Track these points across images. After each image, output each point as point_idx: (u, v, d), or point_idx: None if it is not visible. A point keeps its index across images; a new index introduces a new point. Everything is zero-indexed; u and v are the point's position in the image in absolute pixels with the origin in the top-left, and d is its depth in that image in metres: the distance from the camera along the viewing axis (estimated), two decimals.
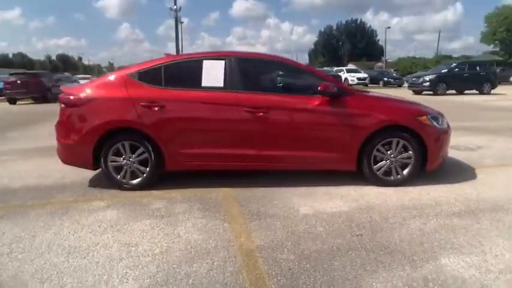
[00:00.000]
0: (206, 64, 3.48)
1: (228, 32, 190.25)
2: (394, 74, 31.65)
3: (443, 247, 2.28)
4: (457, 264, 2.07)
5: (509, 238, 2.39)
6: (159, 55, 4.04)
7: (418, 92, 18.14)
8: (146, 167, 3.47)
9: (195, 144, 3.43)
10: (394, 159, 3.44)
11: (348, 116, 3.37)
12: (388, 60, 57.59)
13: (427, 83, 17.32)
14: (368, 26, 63.50)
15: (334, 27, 67.25)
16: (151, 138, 3.39)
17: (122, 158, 3.45)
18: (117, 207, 3.07)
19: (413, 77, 19.09)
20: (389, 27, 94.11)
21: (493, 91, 17.44)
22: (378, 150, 3.42)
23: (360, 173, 3.52)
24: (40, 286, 1.93)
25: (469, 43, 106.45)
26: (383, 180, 3.47)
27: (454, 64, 18.68)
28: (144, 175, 3.49)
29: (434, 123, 3.47)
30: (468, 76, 17.44)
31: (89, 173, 3.90)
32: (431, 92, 17.17)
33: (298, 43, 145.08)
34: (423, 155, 3.43)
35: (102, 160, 3.44)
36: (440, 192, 3.29)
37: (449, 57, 53.29)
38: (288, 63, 3.83)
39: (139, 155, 3.44)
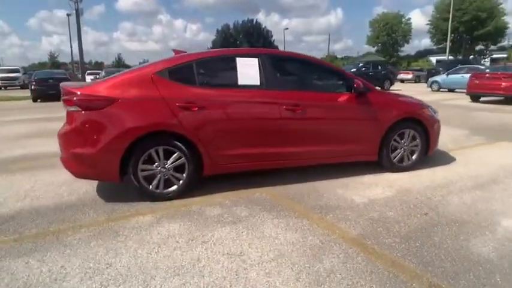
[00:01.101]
0: (240, 62, 3.43)
1: (115, 27, 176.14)
2: None
3: (494, 213, 2.85)
4: None
5: None
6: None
7: None
8: (182, 173, 3.24)
9: (236, 145, 3.36)
10: (406, 147, 4.01)
11: (373, 110, 3.77)
12: None
13: None
14: (263, 26, 67.12)
15: (231, 26, 69.09)
16: (190, 141, 3.19)
17: (154, 166, 3.15)
18: (172, 219, 2.82)
19: None
20: (287, 29, 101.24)
21: (391, 87, 20.74)
22: (394, 140, 3.93)
23: (378, 162, 3.97)
24: None
25: (349, 45, 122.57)
26: (398, 167, 4.01)
27: (360, 64, 21.50)
28: (181, 182, 3.25)
29: (433, 114, 4.15)
30: (373, 74, 20.29)
31: (87, 186, 3.44)
32: None
33: (193, 41, 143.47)
34: (426, 142, 4.08)
35: (131, 170, 3.08)
36: (444, 173, 3.98)
37: (335, 57, 60.70)
38: (316, 62, 4.05)
39: (175, 161, 3.19)
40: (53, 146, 3.85)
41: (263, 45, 70.21)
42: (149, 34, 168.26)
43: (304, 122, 3.53)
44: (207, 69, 3.44)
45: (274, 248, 2.35)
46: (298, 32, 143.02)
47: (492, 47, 43.95)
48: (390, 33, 51.66)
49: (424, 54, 60.07)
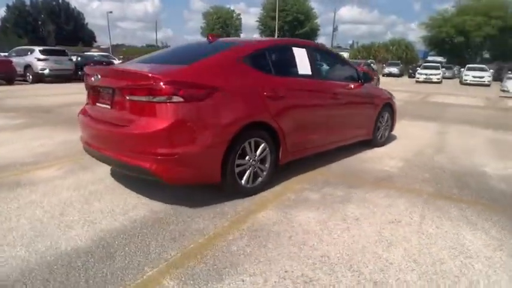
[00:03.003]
0: (296, 52, 3.65)
1: None
2: None
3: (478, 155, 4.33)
4: (491, 167, 4.14)
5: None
6: None
7: None
8: (265, 164, 3.26)
9: (302, 132, 3.59)
10: (383, 126, 5.18)
11: (371, 97, 4.72)
12: (101, 46, 57.30)
13: None
14: (73, 7, 60.01)
15: (28, 2, 58.22)
16: (275, 131, 3.24)
17: (246, 159, 3.06)
18: (298, 209, 2.91)
19: None
20: (111, 12, 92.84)
21: None
22: (379, 121, 5.03)
23: (371, 140, 4.98)
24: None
25: (169, 35, 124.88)
26: (380, 143, 5.14)
27: None
28: (264, 174, 3.26)
29: (394, 100, 5.50)
30: None
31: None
32: None
33: None
34: (392, 122, 5.40)
35: (229, 166, 2.90)
36: (408, 142, 5.41)
37: (156, 46, 60.78)
38: (336, 55, 4.66)
39: (262, 152, 3.18)
40: None
41: (74, 28, 62.03)
42: None
43: (341, 108, 4.11)
44: (275, 57, 3.48)
45: (388, 212, 2.94)
46: (112, 17, 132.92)
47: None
48: (224, 26, 55.80)
49: None
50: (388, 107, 5.16)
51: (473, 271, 2.09)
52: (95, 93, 3.12)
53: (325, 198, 3.16)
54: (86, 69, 3.24)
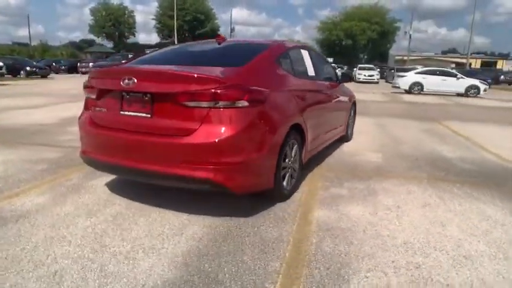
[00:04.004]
0: (304, 54, 3.80)
1: None
2: (39, 63, 28.73)
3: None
4: (447, 152, 4.99)
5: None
6: None
7: None
8: (296, 165, 3.33)
9: (315, 132, 3.75)
10: (351, 122, 5.72)
11: (346, 95, 5.17)
12: None
13: None
14: None
15: None
16: (303, 131, 3.34)
17: (287, 161, 3.09)
18: (351, 204, 3.07)
19: (97, 67, 19.54)
20: None
21: None
22: (350, 118, 5.54)
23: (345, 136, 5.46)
24: None
25: (40, 31, 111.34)
26: (349, 138, 5.67)
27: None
28: (295, 174, 3.33)
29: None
30: None
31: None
32: None
33: None
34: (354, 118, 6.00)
35: (279, 170, 2.90)
36: (364, 135, 6.06)
37: (25, 44, 54.32)
38: (322, 56, 4.87)
39: (295, 154, 3.25)
40: None
41: None
42: None
43: (333, 106, 4.43)
44: (293, 59, 3.54)
45: (413, 198, 3.39)
46: None
47: None
48: (116, 24, 51.91)
49: (156, 46, 64.72)
50: (353, 105, 5.72)
51: None
52: (114, 100, 2.71)
53: (353, 192, 3.40)
54: (95, 71, 2.80)
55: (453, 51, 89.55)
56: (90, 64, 28.03)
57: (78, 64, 30.36)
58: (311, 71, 3.87)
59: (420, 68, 20.80)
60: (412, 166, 4.37)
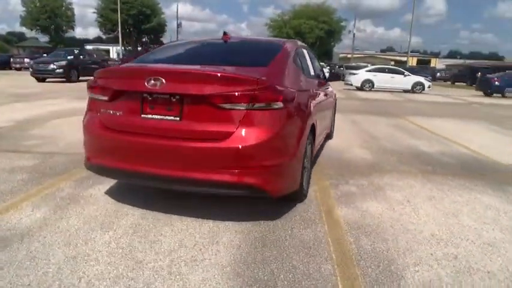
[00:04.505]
0: (305, 53, 3.82)
1: None
2: None
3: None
4: (424, 146, 5.37)
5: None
6: None
7: (43, 80, 17.62)
8: (309, 165, 3.36)
9: (319, 130, 3.80)
10: (333, 119, 5.90)
11: (331, 94, 5.31)
12: None
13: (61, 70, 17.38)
14: None
15: None
16: (315, 131, 3.37)
17: (305, 162, 3.10)
18: (366, 200, 3.16)
19: (40, 63, 17.96)
20: None
21: None
22: (333, 115, 5.71)
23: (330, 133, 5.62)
24: None
25: None
26: (332, 135, 5.85)
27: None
28: (305, 173, 3.35)
29: None
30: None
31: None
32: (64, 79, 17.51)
33: None
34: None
35: (303, 171, 2.91)
36: (344, 132, 6.29)
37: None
38: (315, 55, 4.81)
39: (310, 153, 3.27)
40: None
41: None
42: None
43: (326, 105, 4.52)
44: (301, 59, 3.53)
45: (418, 191, 3.62)
46: None
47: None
48: (52, 16, 47.90)
49: (95, 41, 60.81)
50: (335, 100, 5.91)
51: None
52: (132, 102, 2.51)
53: (362, 189, 3.52)
54: (106, 71, 2.57)
55: (391, 49, 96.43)
56: (26, 60, 25.68)
57: (12, 59, 27.70)
58: (312, 70, 3.92)
59: (370, 66, 22.05)
60: (401, 161, 4.63)
